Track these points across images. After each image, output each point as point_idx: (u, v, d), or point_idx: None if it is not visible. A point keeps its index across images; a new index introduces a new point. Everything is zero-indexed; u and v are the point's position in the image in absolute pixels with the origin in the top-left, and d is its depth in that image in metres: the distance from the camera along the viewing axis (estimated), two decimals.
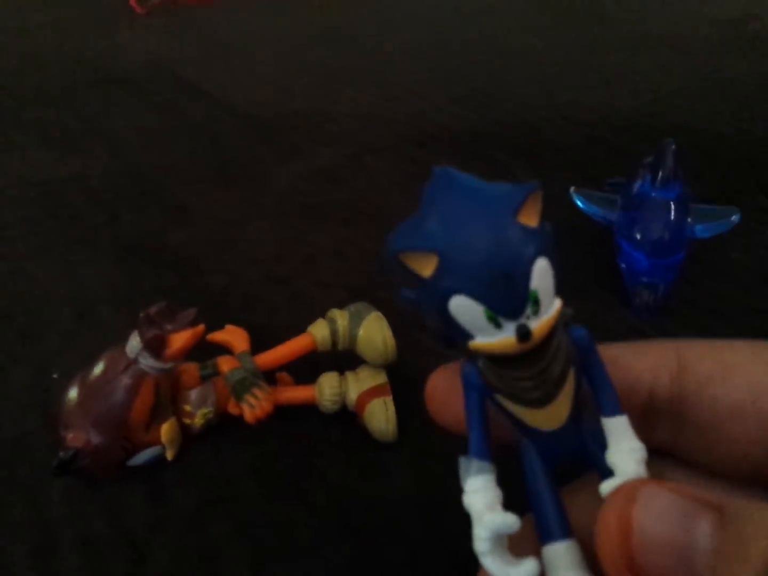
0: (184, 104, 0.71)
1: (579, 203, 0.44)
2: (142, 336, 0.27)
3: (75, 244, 0.47)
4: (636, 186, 0.42)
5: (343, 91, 0.73)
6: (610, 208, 0.44)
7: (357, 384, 0.31)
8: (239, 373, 0.29)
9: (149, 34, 0.93)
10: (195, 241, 0.47)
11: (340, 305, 0.32)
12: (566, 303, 0.15)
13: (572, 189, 0.44)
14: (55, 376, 0.35)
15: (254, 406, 0.28)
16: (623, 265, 0.40)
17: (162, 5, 1.00)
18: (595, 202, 0.44)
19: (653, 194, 0.41)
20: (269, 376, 0.32)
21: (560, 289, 0.15)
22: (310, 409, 0.32)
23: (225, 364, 0.30)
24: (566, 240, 0.45)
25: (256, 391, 0.28)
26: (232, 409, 0.30)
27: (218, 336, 0.34)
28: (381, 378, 0.31)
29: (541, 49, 0.85)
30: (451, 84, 0.75)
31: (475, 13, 0.99)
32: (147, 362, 0.27)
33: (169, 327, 0.27)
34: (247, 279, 0.43)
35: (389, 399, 0.30)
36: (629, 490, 0.12)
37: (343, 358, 0.32)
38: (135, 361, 0.27)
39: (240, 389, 0.28)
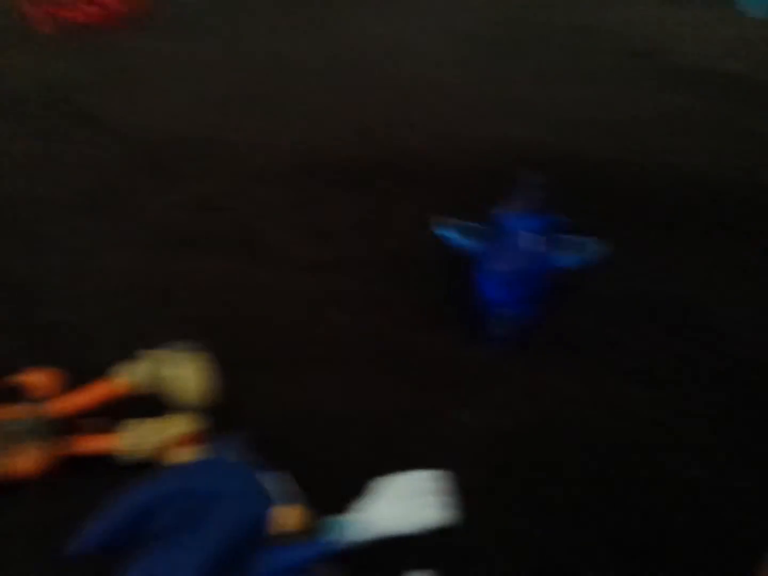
0: (73, 130, 0.68)
1: (443, 235, 0.42)
2: None
3: None
4: (501, 217, 0.41)
5: (240, 118, 0.71)
6: (478, 238, 0.43)
7: (160, 431, 0.28)
8: (13, 424, 0.26)
9: (45, 57, 0.90)
10: (41, 271, 0.44)
11: (184, 342, 0.30)
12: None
13: (432, 222, 0.43)
14: None
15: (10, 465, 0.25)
16: (479, 297, 0.39)
17: (74, 27, 0.97)
18: (463, 233, 0.43)
19: (513, 225, 0.39)
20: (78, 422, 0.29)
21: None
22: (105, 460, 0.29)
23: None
24: (427, 272, 0.43)
25: (26, 447, 0.25)
26: None
27: (21, 379, 0.30)
28: (192, 425, 0.29)
29: (456, 82, 0.85)
30: (354, 114, 0.74)
31: (393, 45, 0.99)
32: None
33: None
34: (87, 314, 0.40)
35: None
36: None
37: (153, 403, 0.30)
38: None
39: (8, 443, 0.25)
